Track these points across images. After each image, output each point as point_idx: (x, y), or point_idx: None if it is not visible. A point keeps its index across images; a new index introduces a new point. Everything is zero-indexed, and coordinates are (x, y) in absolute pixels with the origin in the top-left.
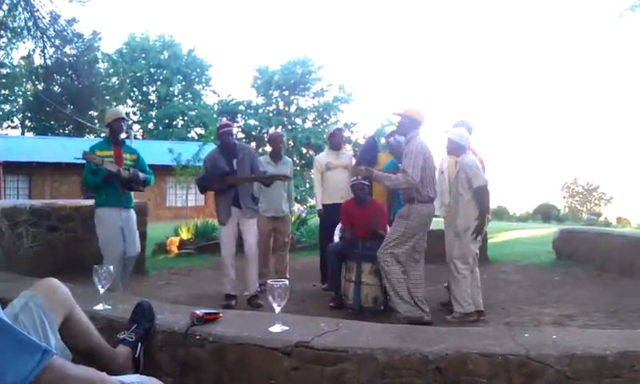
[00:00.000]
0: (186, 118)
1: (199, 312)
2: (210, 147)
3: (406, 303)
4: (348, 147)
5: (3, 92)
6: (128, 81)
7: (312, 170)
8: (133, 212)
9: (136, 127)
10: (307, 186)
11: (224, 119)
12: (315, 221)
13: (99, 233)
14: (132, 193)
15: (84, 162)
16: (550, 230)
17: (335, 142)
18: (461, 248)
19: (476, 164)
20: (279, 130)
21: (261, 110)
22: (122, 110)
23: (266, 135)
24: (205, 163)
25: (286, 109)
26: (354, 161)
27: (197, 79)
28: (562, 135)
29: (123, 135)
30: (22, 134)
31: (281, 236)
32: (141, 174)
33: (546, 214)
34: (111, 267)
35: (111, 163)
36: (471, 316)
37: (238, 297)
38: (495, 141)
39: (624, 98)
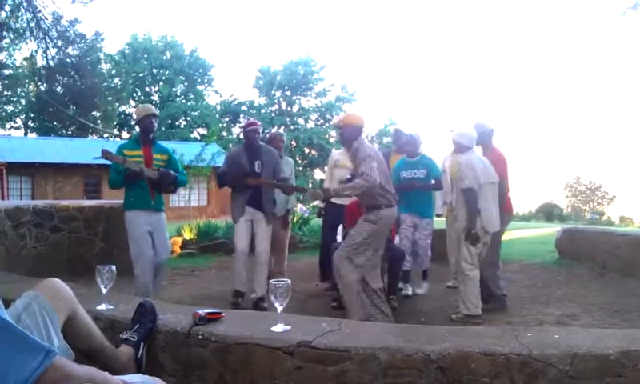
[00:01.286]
0: (188, 119)
1: (202, 312)
2: (213, 148)
3: (360, 309)
4: None
5: (6, 93)
6: (130, 81)
7: (315, 170)
8: (163, 215)
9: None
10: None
11: (251, 119)
12: (317, 221)
13: (130, 237)
14: (163, 195)
15: (108, 162)
16: (553, 229)
17: None
18: (463, 248)
19: (471, 165)
20: (281, 130)
21: (263, 111)
22: (152, 106)
23: (267, 135)
24: (227, 159)
25: (289, 109)
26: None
27: (199, 80)
28: (564, 134)
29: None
30: (25, 134)
31: (278, 236)
32: (172, 174)
33: (548, 213)
34: (113, 267)
35: (134, 162)
36: (476, 319)
37: (245, 294)
38: (498, 140)
39: (627, 97)
